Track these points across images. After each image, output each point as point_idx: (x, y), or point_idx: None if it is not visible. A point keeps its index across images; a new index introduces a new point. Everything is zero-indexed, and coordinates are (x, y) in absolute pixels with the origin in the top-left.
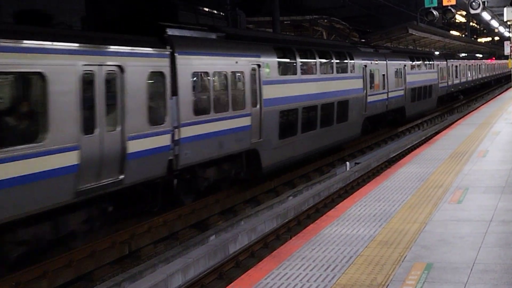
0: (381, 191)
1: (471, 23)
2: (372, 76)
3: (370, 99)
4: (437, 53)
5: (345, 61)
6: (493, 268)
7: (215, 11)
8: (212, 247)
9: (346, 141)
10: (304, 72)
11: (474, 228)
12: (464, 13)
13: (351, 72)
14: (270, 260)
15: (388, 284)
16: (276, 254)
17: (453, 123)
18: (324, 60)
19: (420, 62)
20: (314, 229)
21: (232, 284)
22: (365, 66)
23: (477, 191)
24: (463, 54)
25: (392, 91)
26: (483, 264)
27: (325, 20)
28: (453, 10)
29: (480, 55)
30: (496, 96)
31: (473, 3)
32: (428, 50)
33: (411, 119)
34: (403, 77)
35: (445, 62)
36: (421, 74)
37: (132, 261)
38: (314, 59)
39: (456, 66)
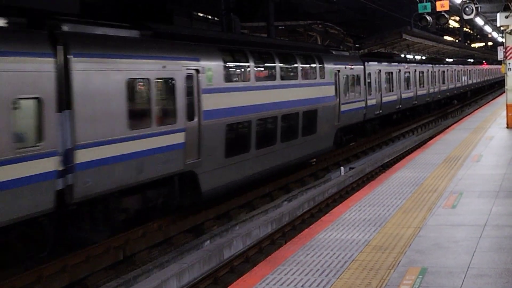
0: (376, 196)
1: (464, 29)
2: None
3: None
4: (363, 51)
5: None
6: (487, 272)
7: (210, 16)
8: (207, 252)
9: None
10: None
11: (468, 232)
12: (458, 18)
13: None
14: (265, 265)
15: None
16: (271, 259)
17: (447, 128)
18: None
19: (272, 64)
20: (309, 234)
21: None
22: None
23: (471, 195)
24: (405, 56)
25: (100, 143)
26: (477, 269)
27: (320, 25)
28: (446, 16)
29: (450, 59)
30: (489, 102)
31: (467, 9)
32: (312, 43)
33: (228, 193)
34: (187, 102)
35: (362, 67)
36: (275, 89)
37: (126, 267)
38: None
39: (389, 73)
